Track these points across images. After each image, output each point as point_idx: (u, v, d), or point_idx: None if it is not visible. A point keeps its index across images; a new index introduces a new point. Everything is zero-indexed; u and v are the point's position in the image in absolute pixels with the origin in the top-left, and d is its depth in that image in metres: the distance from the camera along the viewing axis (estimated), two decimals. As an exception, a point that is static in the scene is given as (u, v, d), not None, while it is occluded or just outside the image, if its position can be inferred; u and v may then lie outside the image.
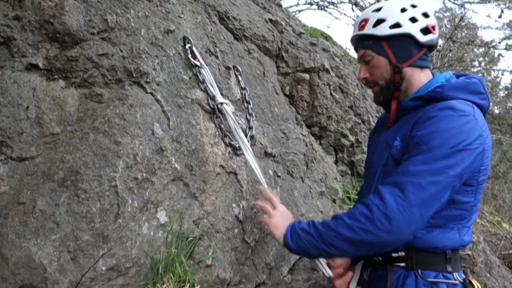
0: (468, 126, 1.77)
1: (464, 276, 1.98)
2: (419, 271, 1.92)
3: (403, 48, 2.00)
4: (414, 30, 1.96)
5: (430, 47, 2.06)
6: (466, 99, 1.89)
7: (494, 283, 3.78)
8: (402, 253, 1.99)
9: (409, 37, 1.97)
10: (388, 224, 1.71)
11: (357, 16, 2.01)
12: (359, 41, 2.13)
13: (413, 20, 1.97)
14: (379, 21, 2.01)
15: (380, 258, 2.08)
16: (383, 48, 2.02)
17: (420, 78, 2.04)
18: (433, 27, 2.00)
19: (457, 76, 2.06)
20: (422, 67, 2.04)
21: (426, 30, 1.98)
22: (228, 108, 2.45)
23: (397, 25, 1.97)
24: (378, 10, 2.04)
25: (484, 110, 1.94)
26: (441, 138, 1.75)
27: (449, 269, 1.92)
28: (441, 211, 1.83)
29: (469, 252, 3.70)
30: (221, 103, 2.46)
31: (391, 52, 2.00)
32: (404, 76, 2.02)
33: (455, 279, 1.91)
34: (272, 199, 2.22)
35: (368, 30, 2.04)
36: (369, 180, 2.19)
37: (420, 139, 1.79)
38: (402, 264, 1.98)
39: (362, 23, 2.08)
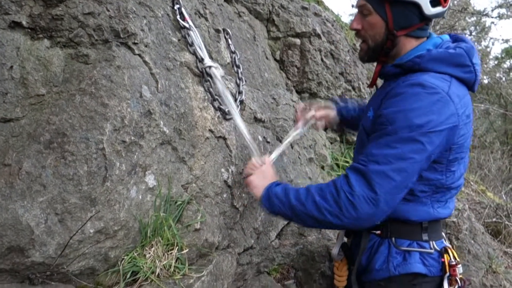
0: (437, 105, 1.68)
1: (445, 244, 1.99)
2: (393, 239, 1.94)
3: (405, 16, 1.84)
4: (423, 0, 1.79)
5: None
6: (444, 72, 1.78)
7: (478, 249, 3.87)
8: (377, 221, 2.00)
9: (415, 6, 1.80)
10: (354, 213, 1.69)
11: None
12: None
13: None
14: None
15: None
16: (384, 9, 1.85)
17: (411, 45, 1.92)
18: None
19: (454, 40, 1.96)
20: (418, 37, 1.93)
21: (435, 2, 1.80)
22: (217, 72, 2.41)
23: None
24: None
25: (468, 83, 1.84)
26: (406, 118, 1.67)
27: (425, 238, 1.92)
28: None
29: (454, 219, 3.77)
30: (209, 67, 2.42)
31: (391, 17, 1.85)
32: (396, 44, 1.91)
33: (431, 248, 1.91)
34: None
35: None
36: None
37: (386, 118, 1.72)
38: (378, 232, 1.99)
39: None
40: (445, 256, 1.91)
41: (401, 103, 1.70)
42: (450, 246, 2.03)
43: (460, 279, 1.90)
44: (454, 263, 1.89)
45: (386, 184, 1.66)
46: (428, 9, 1.80)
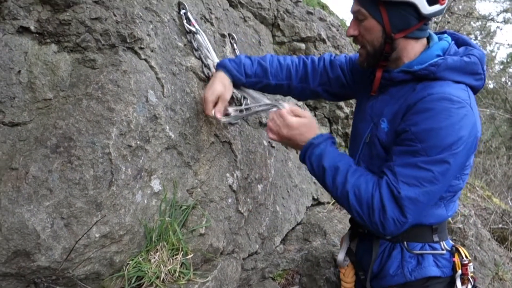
0: (465, 119, 1.67)
1: (452, 244, 2.00)
2: (405, 243, 1.93)
3: (401, 17, 1.78)
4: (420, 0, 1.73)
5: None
6: (460, 81, 1.76)
7: (484, 256, 3.85)
8: None
9: (411, 6, 1.74)
10: (381, 230, 1.71)
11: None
12: None
13: None
14: None
15: (366, 230, 2.08)
16: (380, 12, 1.79)
17: (413, 49, 1.87)
18: None
19: (457, 45, 1.90)
20: (418, 38, 1.87)
21: (433, 0, 1.75)
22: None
23: None
24: None
25: (476, 90, 1.84)
26: (438, 137, 1.65)
27: (436, 239, 1.92)
28: None
29: (460, 226, 3.75)
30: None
31: (387, 20, 1.79)
32: (395, 47, 1.85)
33: (442, 249, 1.92)
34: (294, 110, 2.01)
35: None
36: (353, 149, 2.12)
37: (415, 135, 1.69)
38: (388, 236, 1.93)
39: None
40: (456, 255, 1.92)
41: (431, 121, 1.67)
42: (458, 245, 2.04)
43: (472, 277, 1.91)
44: (466, 261, 1.90)
45: (416, 208, 1.69)
46: (425, 8, 1.74)
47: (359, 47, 1.97)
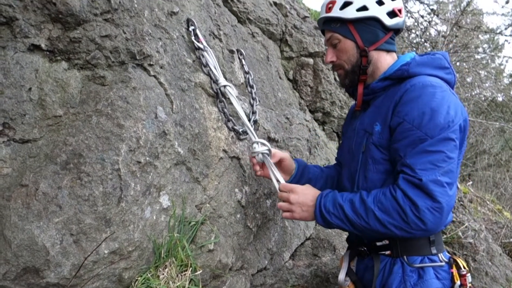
0: (451, 99, 1.79)
1: (449, 255, 2.00)
2: (405, 257, 1.94)
3: (370, 31, 2.01)
4: (381, 13, 1.97)
5: (397, 30, 2.07)
6: (432, 74, 1.90)
7: (496, 271, 3.79)
8: (386, 241, 2.00)
9: (375, 20, 1.99)
10: (422, 225, 1.70)
11: None
12: (326, 23, 2.12)
13: (380, 3, 1.98)
14: (346, 4, 2.01)
15: (365, 248, 2.09)
16: (350, 31, 2.03)
17: (386, 60, 2.06)
18: (400, 10, 2.02)
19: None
20: (388, 51, 2.07)
21: (392, 13, 1.99)
22: (232, 91, 2.43)
23: (364, 8, 1.98)
24: None
25: (450, 84, 1.95)
26: (433, 119, 1.74)
27: (434, 251, 1.93)
28: None
29: (471, 240, 3.70)
30: (224, 86, 2.44)
31: (358, 36, 2.02)
32: (370, 60, 2.04)
33: (440, 261, 1.93)
34: (291, 189, 2.10)
35: (335, 12, 2.04)
36: (349, 167, 2.16)
37: (411, 123, 1.77)
38: (387, 252, 1.99)
39: (329, 5, 2.07)
40: (454, 266, 1.93)
41: (421, 106, 1.77)
42: (454, 255, 2.04)
43: (470, 287, 1.91)
44: (464, 272, 1.91)
45: (444, 190, 1.70)
46: (388, 20, 1.98)
47: (338, 70, 2.15)
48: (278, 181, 2.23)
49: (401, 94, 1.86)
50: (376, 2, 1.98)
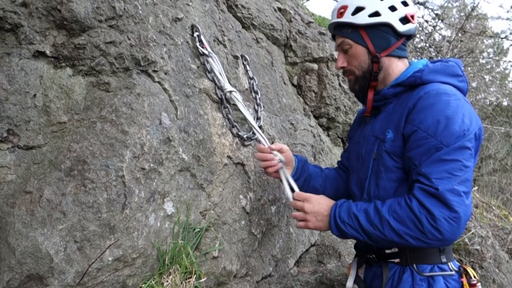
0: (466, 108, 1.77)
1: (458, 264, 1.97)
2: (414, 265, 1.91)
3: (381, 37, 1.99)
4: (393, 19, 1.95)
5: (409, 36, 2.05)
6: (445, 82, 1.89)
7: (503, 278, 3.76)
8: (395, 249, 1.97)
9: (388, 26, 1.96)
10: (439, 235, 1.68)
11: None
12: (337, 28, 2.10)
13: (393, 8, 1.96)
14: (358, 9, 1.99)
15: (374, 256, 2.06)
16: (361, 37, 2.00)
17: (397, 67, 2.04)
18: (412, 16, 2.00)
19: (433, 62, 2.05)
20: (400, 57, 2.05)
21: (405, 19, 1.97)
22: (238, 96, 2.43)
23: (376, 14, 1.96)
24: None
25: (463, 92, 1.93)
26: (448, 127, 1.72)
27: (444, 260, 1.91)
28: None
29: (478, 247, 3.67)
30: (230, 91, 2.43)
31: (370, 42, 2.00)
32: (382, 66, 2.02)
33: (450, 270, 1.90)
34: (305, 198, 2.08)
35: (347, 18, 2.01)
36: (358, 173, 2.14)
37: (426, 131, 1.75)
38: (397, 260, 1.96)
39: (341, 10, 2.05)
40: (463, 275, 1.90)
41: (436, 113, 1.75)
42: (465, 264, 2.02)
43: None
44: (474, 281, 1.89)
45: (460, 200, 1.67)
46: (400, 26, 1.96)
47: (348, 76, 2.14)
48: (292, 190, 2.20)
49: (414, 101, 1.84)
50: (389, 8, 1.95)
